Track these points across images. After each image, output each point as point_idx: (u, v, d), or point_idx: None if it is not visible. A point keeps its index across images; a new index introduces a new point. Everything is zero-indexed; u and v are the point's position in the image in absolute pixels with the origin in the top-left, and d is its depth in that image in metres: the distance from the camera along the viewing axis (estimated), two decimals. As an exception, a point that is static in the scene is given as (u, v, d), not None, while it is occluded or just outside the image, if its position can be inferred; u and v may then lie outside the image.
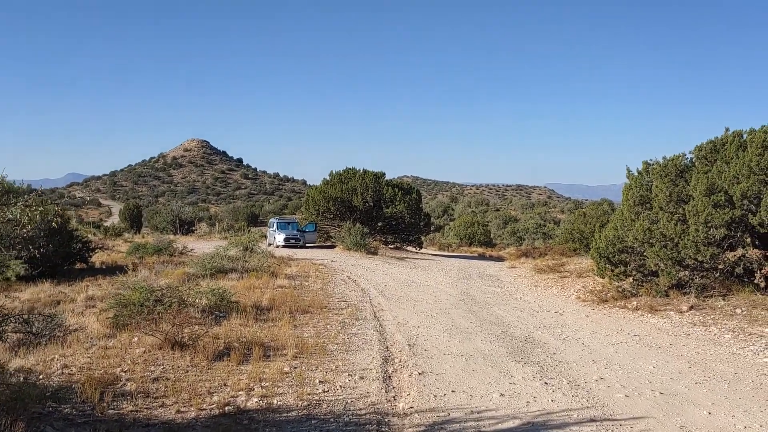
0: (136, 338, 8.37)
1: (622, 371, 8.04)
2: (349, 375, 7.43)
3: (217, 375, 7.07)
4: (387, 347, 9.18)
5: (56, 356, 7.60)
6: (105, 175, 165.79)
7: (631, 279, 14.91)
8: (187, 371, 7.14)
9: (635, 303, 13.71)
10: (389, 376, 7.51)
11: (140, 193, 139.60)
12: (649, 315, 12.43)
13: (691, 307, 12.70)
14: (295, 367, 7.61)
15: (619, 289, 14.85)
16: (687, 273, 13.70)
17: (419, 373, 7.64)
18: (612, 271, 14.99)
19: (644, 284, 14.45)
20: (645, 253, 14.06)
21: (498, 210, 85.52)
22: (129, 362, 7.31)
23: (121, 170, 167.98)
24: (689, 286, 13.59)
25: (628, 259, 14.67)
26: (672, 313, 12.44)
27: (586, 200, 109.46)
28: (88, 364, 7.21)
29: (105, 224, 61.48)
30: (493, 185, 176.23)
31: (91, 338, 8.59)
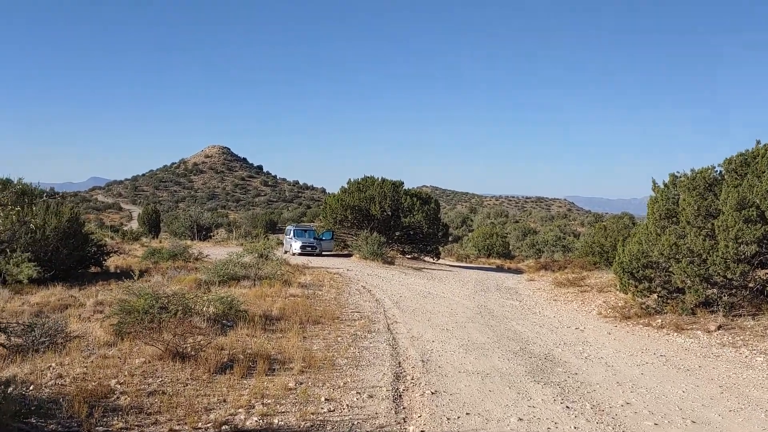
0: (137, 347, 8.02)
1: (649, 395, 7.52)
2: (357, 393, 7.01)
3: (217, 389, 6.69)
4: (399, 363, 8.73)
5: (53, 364, 7.28)
6: (127, 179, 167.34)
7: (655, 295, 14.32)
8: (187, 385, 6.77)
9: (660, 321, 13.14)
10: (400, 395, 7.08)
11: (161, 198, 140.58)
12: (675, 334, 11.86)
13: (719, 327, 12.12)
14: (301, 383, 7.21)
15: (643, 306, 14.28)
16: (715, 291, 13.12)
17: (432, 393, 7.20)
18: (636, 286, 14.42)
19: (669, 301, 13.86)
20: (671, 269, 13.49)
21: (517, 222, 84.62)
22: (126, 373, 6.96)
23: (143, 175, 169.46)
24: (717, 304, 13.00)
25: (652, 275, 14.10)
26: (699, 332, 11.87)
27: (607, 213, 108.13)
28: (83, 375, 6.87)
29: (124, 228, 61.83)
30: (513, 197, 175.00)
31: (91, 346, 8.26)
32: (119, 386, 6.50)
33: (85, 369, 7.10)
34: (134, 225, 70.18)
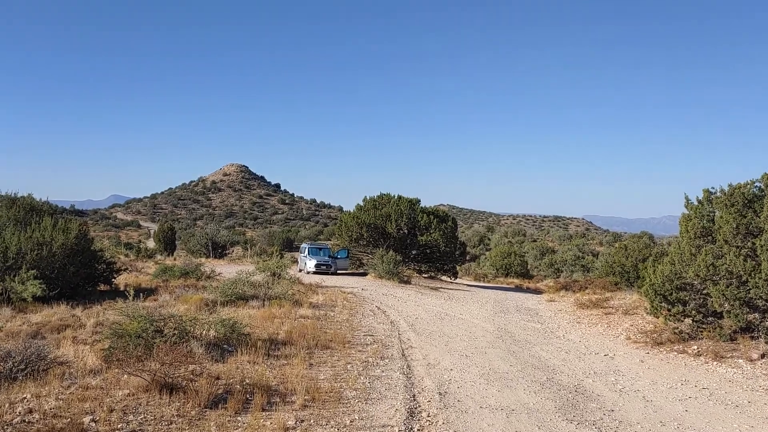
0: (124, 377, 7.26)
1: (699, 439, 6.61)
2: (365, 434, 6.18)
3: (205, 429, 5.88)
4: (414, 396, 7.87)
5: (28, 396, 6.55)
6: (146, 197, 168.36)
7: (689, 320, 13.34)
8: (171, 423, 5.98)
9: (696, 348, 12.16)
10: (414, 437, 6.23)
11: (179, 216, 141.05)
12: (715, 363, 10.89)
13: (762, 355, 11.14)
14: (302, 421, 6.38)
15: (676, 331, 13.30)
16: (756, 315, 12.15)
17: (451, 434, 6.34)
18: (668, 310, 13.44)
19: (705, 326, 12.89)
20: (707, 292, 12.54)
21: (535, 241, 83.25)
22: (105, 409, 6.17)
23: (162, 193, 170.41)
24: (758, 329, 12.02)
25: (687, 298, 13.13)
26: (741, 361, 10.90)
27: (625, 233, 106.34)
28: (56, 409, 6.11)
29: (142, 245, 61.65)
30: (530, 215, 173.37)
31: (75, 375, 7.50)
32: (93, 425, 5.72)
33: (60, 402, 6.34)
34: (151, 242, 70.05)
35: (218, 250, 51.85)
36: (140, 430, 5.71)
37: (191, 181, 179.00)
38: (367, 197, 34.46)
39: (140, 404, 6.47)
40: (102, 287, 20.90)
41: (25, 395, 6.55)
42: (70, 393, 6.69)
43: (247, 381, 7.60)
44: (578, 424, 6.95)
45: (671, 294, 13.26)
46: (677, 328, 13.38)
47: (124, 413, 6.16)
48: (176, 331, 8.71)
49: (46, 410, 6.06)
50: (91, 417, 5.89)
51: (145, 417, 6.10)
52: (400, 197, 33.53)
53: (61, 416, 5.90)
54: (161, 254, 51.10)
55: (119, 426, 5.75)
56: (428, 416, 7.00)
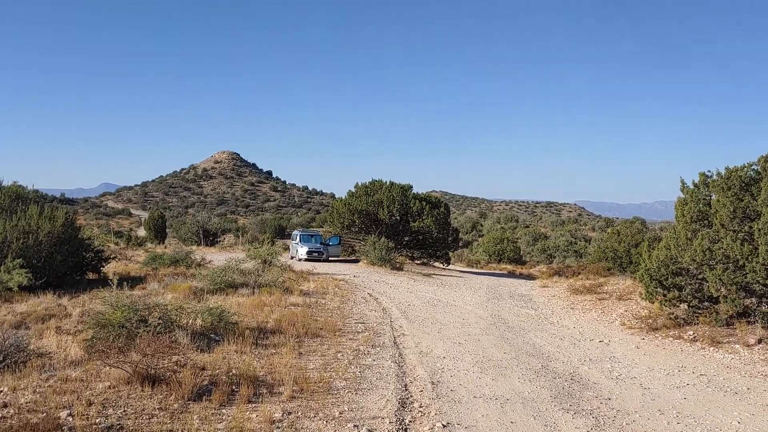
0: (105, 368, 6.98)
1: (699, 428, 6.42)
2: (354, 426, 5.92)
3: (187, 423, 5.62)
4: (405, 385, 7.64)
5: (4, 389, 6.26)
6: (137, 185, 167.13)
7: (685, 305, 13.18)
8: (152, 417, 5.71)
9: (692, 333, 12.01)
10: (405, 429, 6.00)
11: (170, 204, 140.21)
12: (712, 348, 10.74)
13: (759, 340, 11.00)
14: (289, 413, 6.14)
15: (672, 316, 13.15)
16: (753, 300, 12.01)
17: (444, 426, 6.10)
18: (664, 295, 13.27)
19: (701, 311, 12.74)
20: (704, 277, 12.37)
21: (528, 227, 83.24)
22: (84, 402, 5.89)
23: (153, 181, 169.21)
24: (755, 314, 11.89)
25: (683, 283, 12.95)
26: (738, 346, 10.76)
27: (617, 218, 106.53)
28: (32, 403, 5.83)
29: (134, 234, 61.17)
30: (523, 201, 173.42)
31: (53, 367, 7.22)
32: (70, 419, 5.44)
33: (37, 396, 6.07)
34: (142, 231, 69.48)
35: (209, 238, 51.43)
36: (119, 424, 5.44)
37: (182, 169, 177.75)
38: (359, 184, 34.14)
39: (121, 397, 6.18)
40: (90, 276, 20.60)
41: (1, 388, 6.28)
42: (48, 386, 6.41)
43: (234, 372, 7.34)
44: (575, 413, 6.75)
45: (667, 279, 13.09)
46: (673, 313, 13.23)
47: (104, 407, 5.88)
48: (161, 321, 8.44)
49: (21, 404, 5.77)
50: (69, 411, 5.60)
51: (125, 411, 5.82)
52: (392, 183, 33.22)
53: (36, 411, 5.61)
54: (152, 242, 50.63)
55: (97, 420, 5.47)
56: (420, 407, 6.76)
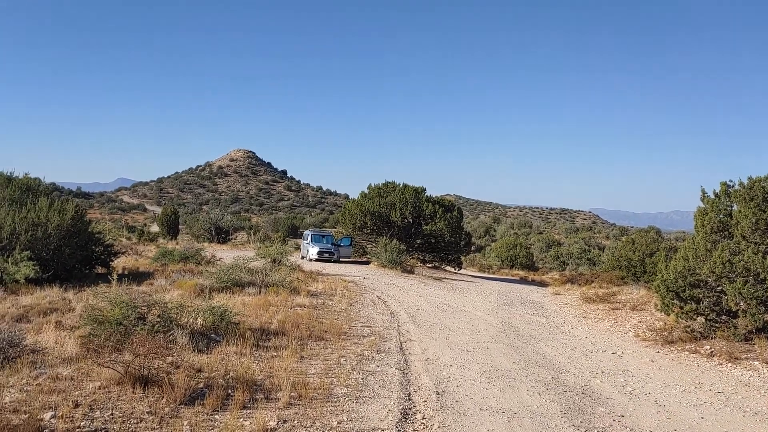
0: (98, 367, 6.73)
1: (718, 451, 6.06)
2: (352, 437, 5.65)
3: (176, 429, 5.36)
4: (409, 394, 7.33)
5: (-8, 386, 6.05)
6: (152, 181, 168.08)
7: (702, 318, 12.76)
8: (141, 421, 5.46)
9: (709, 348, 11.59)
10: (406, 442, 5.71)
11: (185, 200, 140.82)
12: (730, 365, 10.33)
13: (780, 358, 10.57)
14: (285, 421, 5.86)
15: (688, 329, 12.74)
16: (774, 315, 11.57)
17: (446, 440, 5.81)
18: (681, 307, 12.86)
19: (719, 325, 12.31)
20: (723, 289, 11.96)
21: (541, 233, 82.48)
22: (71, 403, 5.66)
23: (168, 177, 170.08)
24: (775, 330, 11.46)
25: (700, 295, 12.54)
26: (757, 363, 10.34)
27: (632, 227, 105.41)
28: (17, 403, 5.60)
29: (146, 229, 61.33)
30: (537, 208, 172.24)
31: (46, 364, 6.99)
32: (53, 422, 5.20)
33: (24, 394, 5.84)
34: (155, 226, 69.65)
35: (222, 235, 51.36)
36: (104, 428, 5.19)
37: (198, 166, 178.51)
38: (372, 185, 33.86)
39: (110, 399, 5.93)
40: (99, 270, 20.48)
41: (-12, 386, 6.07)
42: (37, 384, 6.19)
43: (231, 375, 7.08)
44: (586, 431, 6.40)
45: (684, 291, 12.68)
46: (689, 326, 12.82)
47: (91, 409, 5.63)
48: (160, 319, 8.20)
49: (5, 404, 5.54)
50: (53, 413, 5.37)
51: (112, 414, 5.57)
52: (405, 185, 32.91)
53: (20, 411, 5.39)
54: (164, 238, 50.67)
55: (82, 424, 5.22)
56: (423, 418, 6.45)
